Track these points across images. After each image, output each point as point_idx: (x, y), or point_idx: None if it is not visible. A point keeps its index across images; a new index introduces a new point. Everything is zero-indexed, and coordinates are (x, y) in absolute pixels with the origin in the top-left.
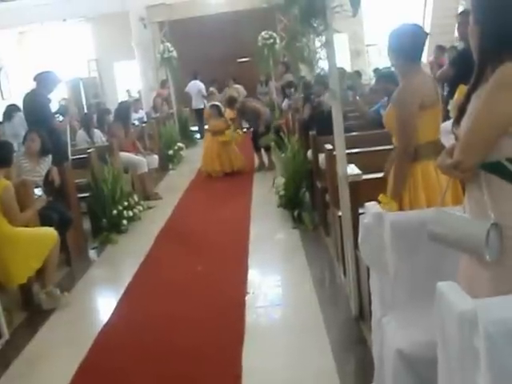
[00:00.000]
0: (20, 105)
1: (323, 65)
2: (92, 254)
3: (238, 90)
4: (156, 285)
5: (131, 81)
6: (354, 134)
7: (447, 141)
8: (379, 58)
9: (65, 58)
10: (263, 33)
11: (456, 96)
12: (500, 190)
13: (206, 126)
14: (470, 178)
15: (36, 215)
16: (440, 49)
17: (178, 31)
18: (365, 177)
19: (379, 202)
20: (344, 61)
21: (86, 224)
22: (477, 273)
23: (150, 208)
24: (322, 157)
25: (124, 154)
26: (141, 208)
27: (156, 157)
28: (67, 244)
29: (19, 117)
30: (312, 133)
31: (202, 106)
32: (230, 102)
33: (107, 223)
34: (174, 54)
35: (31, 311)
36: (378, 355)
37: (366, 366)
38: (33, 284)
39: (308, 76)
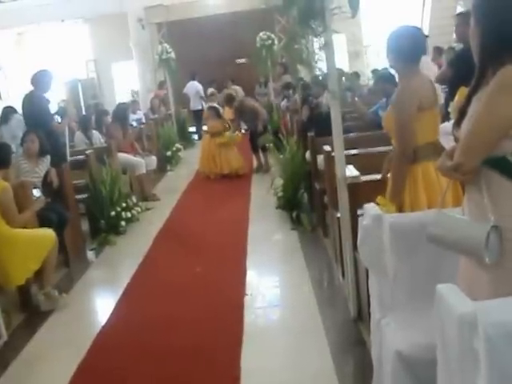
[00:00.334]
0: (18, 106)
1: (322, 66)
2: (90, 255)
3: (237, 91)
4: (154, 286)
5: (129, 82)
6: (353, 135)
7: (446, 142)
8: (377, 59)
9: (63, 58)
10: (261, 34)
11: (456, 98)
12: (500, 192)
13: (204, 127)
14: (470, 180)
15: (34, 216)
16: (437, 50)
17: (176, 32)
18: (363, 178)
19: (377, 204)
20: (342, 62)
21: (84, 225)
22: (476, 275)
23: (148, 209)
24: (320, 158)
25: (122, 155)
26: (139, 209)
27: (154, 158)
28: (65, 245)
29: (16, 119)
30: (310, 134)
31: (200, 107)
32: (228, 99)
33: (105, 224)
34: (172, 55)
35: (29, 312)
36: (376, 357)
37: (365, 367)
38: (31, 285)
39: (306, 77)
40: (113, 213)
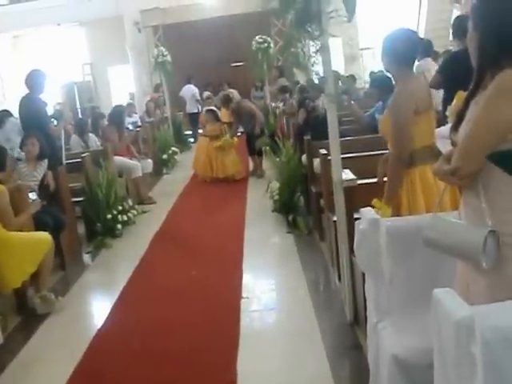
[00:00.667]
0: (14, 109)
1: (318, 69)
2: (86, 258)
3: (233, 94)
4: (150, 289)
5: (125, 85)
6: (349, 138)
7: (443, 146)
8: (374, 62)
9: (59, 62)
10: (257, 37)
11: (454, 102)
12: (497, 196)
13: (200, 131)
14: (467, 184)
15: (30, 219)
16: (434, 54)
17: (172, 35)
18: (360, 182)
19: (373, 207)
20: (338, 65)
21: (81, 228)
22: (473, 279)
23: (144, 212)
24: (316, 161)
25: (118, 158)
26: (135, 212)
27: (150, 161)
28: (61, 248)
29: (11, 122)
30: (307, 137)
31: (196, 110)
32: (226, 100)
33: (102, 227)
34: (168, 58)
35: (26, 315)
36: (373, 360)
37: (361, 371)
38: (27, 288)
39: (303, 81)
40: (109, 216)
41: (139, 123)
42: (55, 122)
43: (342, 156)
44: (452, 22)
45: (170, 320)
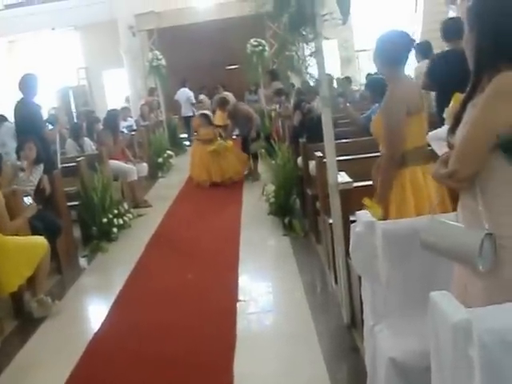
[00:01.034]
0: (8, 113)
1: (312, 72)
2: (82, 262)
3: (228, 97)
4: (147, 293)
5: (120, 89)
6: (345, 140)
7: (439, 148)
8: (370, 64)
9: (54, 66)
10: (252, 40)
11: (451, 104)
12: (495, 199)
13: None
14: (465, 187)
15: (26, 224)
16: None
17: (166, 39)
18: (355, 184)
19: (364, 206)
20: (334, 67)
21: (76, 232)
22: (471, 282)
23: (140, 216)
24: (312, 164)
25: (113, 162)
26: (131, 216)
27: (145, 165)
28: (58, 252)
29: (6, 127)
30: (302, 140)
31: (191, 114)
32: (222, 102)
33: (97, 231)
34: (163, 62)
35: (22, 319)
36: (370, 363)
37: (359, 374)
38: (24, 292)
39: (298, 83)
40: (105, 220)
41: (134, 127)
42: (50, 127)
43: (338, 158)
44: (441, 24)
45: (166, 323)
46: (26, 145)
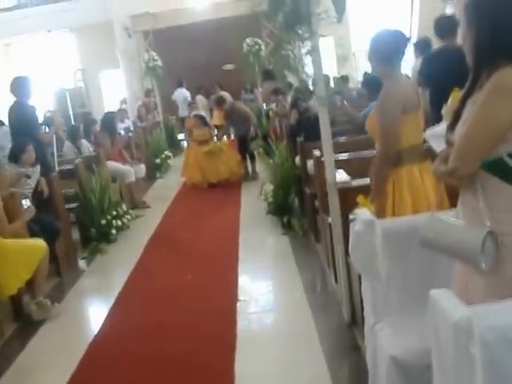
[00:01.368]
0: (4, 117)
1: (309, 70)
2: (81, 263)
3: (226, 97)
4: (146, 294)
5: (117, 90)
6: (343, 138)
7: (437, 145)
8: (366, 62)
9: (51, 68)
10: (248, 39)
11: (450, 101)
12: (496, 196)
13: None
14: (465, 184)
15: (25, 226)
16: None
17: (162, 40)
18: (354, 182)
19: (358, 204)
20: (331, 65)
21: (75, 234)
22: (472, 280)
23: (138, 217)
24: (310, 163)
25: (111, 164)
26: (129, 217)
27: (143, 166)
28: (56, 254)
29: (3, 131)
30: (300, 139)
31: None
32: (219, 101)
33: (96, 233)
34: (159, 62)
35: (22, 322)
36: (371, 361)
37: (360, 372)
38: (23, 295)
39: (294, 82)
40: (103, 221)
41: (131, 128)
42: (47, 129)
43: (336, 157)
44: (434, 21)
45: (166, 324)
46: (26, 147)
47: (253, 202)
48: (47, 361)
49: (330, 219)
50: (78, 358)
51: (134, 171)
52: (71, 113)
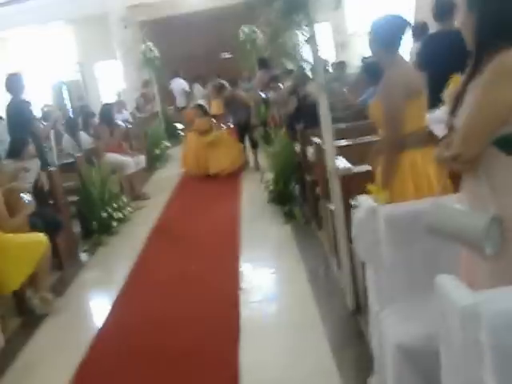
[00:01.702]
0: (2, 113)
1: (306, 56)
2: (83, 256)
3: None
4: (149, 286)
5: (114, 82)
6: (343, 125)
7: (440, 130)
8: (365, 48)
9: (47, 62)
10: (245, 27)
11: (451, 86)
12: (500, 181)
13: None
14: (469, 169)
15: (26, 221)
16: None
17: (159, 30)
18: (355, 169)
19: (369, 193)
20: (329, 51)
21: (76, 227)
22: (478, 266)
23: (139, 208)
24: (310, 150)
25: (111, 156)
26: (130, 209)
27: (143, 157)
28: (58, 248)
29: (2, 124)
30: (299, 126)
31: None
32: (219, 88)
33: (97, 225)
34: (156, 52)
35: (25, 317)
36: (377, 349)
37: (366, 359)
38: (26, 289)
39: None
40: (104, 214)
41: (130, 119)
42: (44, 123)
43: (336, 143)
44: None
45: (170, 316)
46: (25, 142)
47: (254, 191)
48: (51, 354)
49: (331, 206)
50: (83, 351)
51: (133, 162)
52: (70, 106)
